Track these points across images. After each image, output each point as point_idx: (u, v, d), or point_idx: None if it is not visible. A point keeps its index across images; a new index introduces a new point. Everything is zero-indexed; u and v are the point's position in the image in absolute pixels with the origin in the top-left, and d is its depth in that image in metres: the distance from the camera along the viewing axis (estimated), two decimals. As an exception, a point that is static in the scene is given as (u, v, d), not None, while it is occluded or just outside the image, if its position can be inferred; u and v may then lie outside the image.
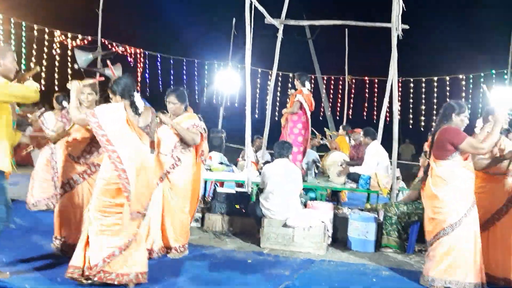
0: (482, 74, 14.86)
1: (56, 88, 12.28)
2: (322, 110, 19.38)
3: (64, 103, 5.93)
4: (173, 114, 5.14)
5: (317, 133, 10.27)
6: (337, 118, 16.63)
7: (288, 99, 7.99)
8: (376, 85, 16.10)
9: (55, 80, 12.83)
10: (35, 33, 12.02)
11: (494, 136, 4.37)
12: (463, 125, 4.60)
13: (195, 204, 5.52)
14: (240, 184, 7.69)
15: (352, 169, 7.57)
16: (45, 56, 12.46)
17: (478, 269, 4.42)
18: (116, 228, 3.95)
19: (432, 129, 4.91)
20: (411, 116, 16.35)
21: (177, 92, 5.12)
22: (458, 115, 4.56)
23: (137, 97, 4.14)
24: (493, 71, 14.53)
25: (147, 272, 4.06)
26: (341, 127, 11.59)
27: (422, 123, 15.99)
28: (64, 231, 4.71)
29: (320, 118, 19.55)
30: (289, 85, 9.08)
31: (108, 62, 5.26)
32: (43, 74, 12.15)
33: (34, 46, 12.19)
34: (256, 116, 14.86)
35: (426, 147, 8.78)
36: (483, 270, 4.47)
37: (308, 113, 7.59)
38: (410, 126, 16.23)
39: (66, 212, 4.71)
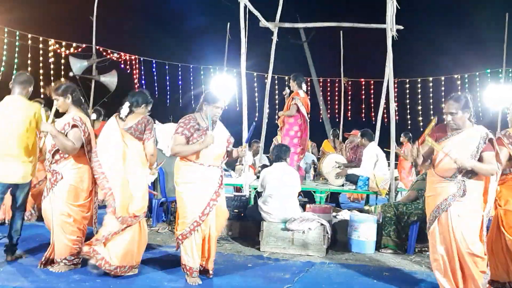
0: (477, 74, 14.90)
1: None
2: (321, 113, 19.41)
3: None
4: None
5: None
6: (337, 120, 16.61)
7: (285, 99, 7.93)
8: (372, 87, 16.12)
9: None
10: (29, 41, 11.99)
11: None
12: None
13: None
14: (238, 188, 7.67)
15: (350, 171, 7.57)
16: (41, 65, 12.43)
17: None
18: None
19: None
20: (408, 116, 16.39)
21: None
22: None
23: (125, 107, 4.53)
24: (488, 70, 14.58)
25: None
26: (331, 132, 11.75)
27: (420, 123, 16.02)
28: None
29: (320, 120, 19.62)
30: (286, 88, 9.02)
31: None
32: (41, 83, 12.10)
33: (29, 55, 12.16)
34: (256, 119, 14.85)
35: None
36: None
37: (306, 115, 7.57)
38: (409, 126, 16.25)
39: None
